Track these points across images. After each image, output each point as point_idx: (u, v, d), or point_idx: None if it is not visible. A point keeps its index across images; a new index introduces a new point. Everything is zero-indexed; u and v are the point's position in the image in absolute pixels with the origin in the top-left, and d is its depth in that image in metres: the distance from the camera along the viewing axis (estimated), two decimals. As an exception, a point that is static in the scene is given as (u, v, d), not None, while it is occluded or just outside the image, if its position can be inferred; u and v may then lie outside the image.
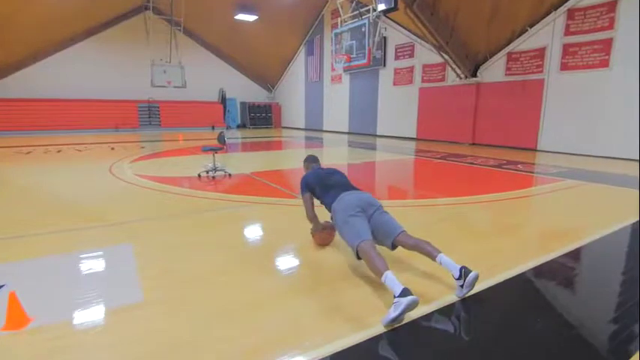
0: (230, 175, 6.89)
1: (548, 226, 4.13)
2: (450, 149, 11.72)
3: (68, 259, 3.06)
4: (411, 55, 15.31)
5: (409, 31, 14.79)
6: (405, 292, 2.11)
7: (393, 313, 2.07)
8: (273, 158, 10.52)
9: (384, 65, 16.46)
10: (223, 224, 4.18)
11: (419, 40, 14.54)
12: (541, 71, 11.12)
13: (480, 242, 3.54)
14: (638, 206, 4.77)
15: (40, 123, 18.18)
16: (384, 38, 15.76)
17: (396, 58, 15.97)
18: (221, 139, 6.80)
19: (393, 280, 2.21)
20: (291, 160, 10.14)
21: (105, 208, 4.75)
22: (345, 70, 11.07)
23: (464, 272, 2.34)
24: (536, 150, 11.34)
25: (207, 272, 2.82)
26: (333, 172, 3.34)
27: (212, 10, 18.81)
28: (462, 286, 2.36)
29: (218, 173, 6.80)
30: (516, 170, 7.83)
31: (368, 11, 10.13)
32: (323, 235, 3.29)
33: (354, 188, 3.06)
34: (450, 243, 3.48)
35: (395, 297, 2.12)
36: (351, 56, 10.08)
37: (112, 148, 11.89)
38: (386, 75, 16.64)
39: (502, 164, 8.48)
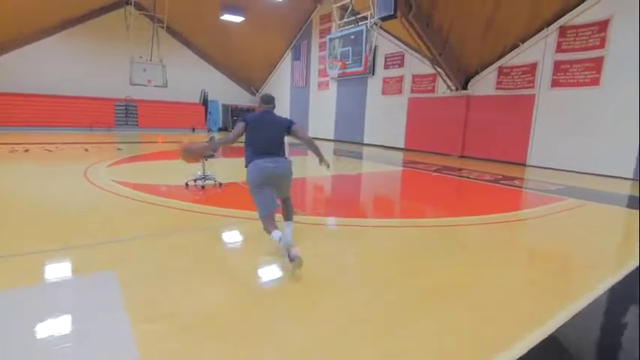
0: (221, 184, 6.36)
1: (575, 254, 3.87)
2: (440, 161, 11.57)
3: (35, 295, 2.50)
4: (401, 65, 15.20)
5: (399, 40, 14.69)
6: (279, 237, 3.12)
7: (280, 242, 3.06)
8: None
9: (373, 74, 16.27)
10: (222, 245, 3.70)
11: (409, 50, 14.45)
12: (532, 87, 11.17)
13: (509, 277, 3.19)
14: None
15: (6, 119, 16.92)
16: (374, 47, 15.60)
17: (386, 67, 15.83)
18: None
19: (276, 236, 3.13)
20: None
21: (79, 223, 4.15)
22: (338, 77, 10.70)
23: (289, 255, 2.89)
24: (525, 165, 11.34)
25: (214, 311, 2.35)
26: (269, 124, 3.43)
27: (197, 8, 18.17)
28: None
29: (207, 182, 6.26)
30: (515, 186, 7.69)
31: (365, 17, 9.87)
32: (192, 155, 3.59)
33: (272, 154, 3.33)
34: (476, 278, 3.12)
35: (279, 243, 3.07)
36: (347, 63, 9.77)
37: (86, 150, 11.07)
38: (374, 84, 16.47)
39: (499, 179, 8.33)
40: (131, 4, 16.19)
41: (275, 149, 3.36)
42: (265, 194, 3.29)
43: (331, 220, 4.81)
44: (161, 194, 5.64)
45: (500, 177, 8.68)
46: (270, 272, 3.07)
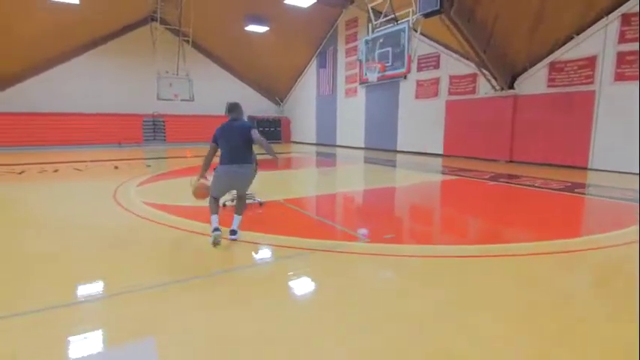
0: (261, 203, 5.70)
1: None
2: (489, 167, 10.56)
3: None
4: (436, 67, 14.30)
5: (434, 40, 13.84)
6: (215, 229, 3.74)
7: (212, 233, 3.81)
8: (297, 179, 9.33)
9: (405, 77, 15.43)
10: (285, 292, 2.93)
11: (446, 50, 13.58)
12: (591, 82, 10.06)
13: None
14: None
15: (38, 138, 17.15)
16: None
17: (419, 69, 14.95)
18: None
19: (213, 221, 3.81)
20: (321, 182, 8.98)
21: (108, 262, 3.49)
22: (378, 80, 9.96)
23: (230, 232, 3.87)
24: (587, 169, 10.18)
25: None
26: (233, 134, 3.87)
27: (222, 21, 17.93)
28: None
29: (247, 202, 5.59)
30: (595, 195, 6.66)
31: (402, 16, 9.11)
32: (203, 190, 3.92)
33: (237, 161, 3.83)
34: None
35: (213, 229, 3.74)
36: (386, 65, 9.02)
37: (116, 167, 10.73)
38: (407, 87, 15.63)
39: (570, 187, 7.29)
40: (157, 20, 16.09)
41: (240, 156, 3.84)
42: (220, 188, 3.95)
43: (409, 249, 3.99)
44: (197, 218, 5.00)
45: (570, 184, 7.63)
46: (370, 336, 2.30)
